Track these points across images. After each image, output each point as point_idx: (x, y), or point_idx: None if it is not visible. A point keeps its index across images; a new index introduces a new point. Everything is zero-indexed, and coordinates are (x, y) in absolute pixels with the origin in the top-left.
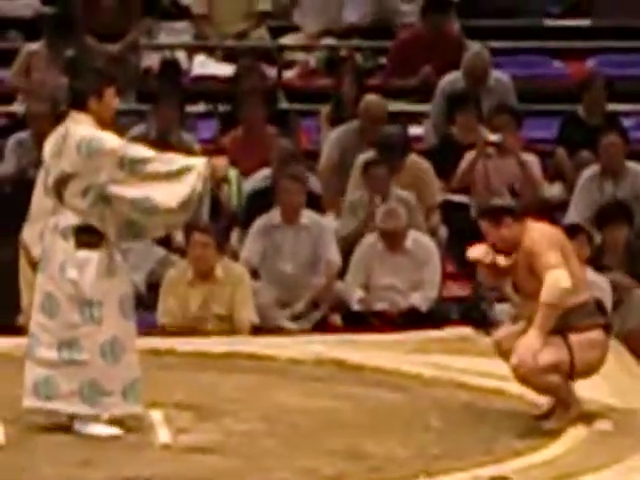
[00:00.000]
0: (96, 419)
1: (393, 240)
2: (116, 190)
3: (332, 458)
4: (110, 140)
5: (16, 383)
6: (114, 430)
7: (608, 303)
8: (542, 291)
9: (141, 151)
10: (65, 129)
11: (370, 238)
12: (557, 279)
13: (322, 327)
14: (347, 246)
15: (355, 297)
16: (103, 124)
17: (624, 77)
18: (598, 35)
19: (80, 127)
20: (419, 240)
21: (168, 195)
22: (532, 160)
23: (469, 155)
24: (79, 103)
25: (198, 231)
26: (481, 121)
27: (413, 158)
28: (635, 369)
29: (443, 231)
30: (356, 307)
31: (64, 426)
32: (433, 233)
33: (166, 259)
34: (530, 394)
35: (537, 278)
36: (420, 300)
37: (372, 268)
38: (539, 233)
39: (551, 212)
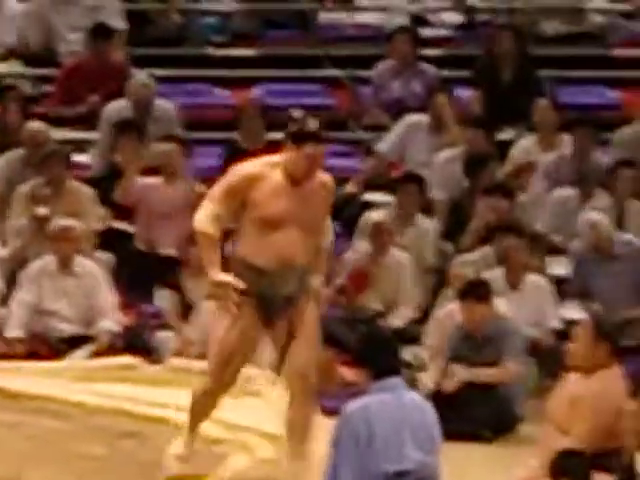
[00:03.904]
0: None
1: (66, 257)
2: None
3: None
4: None
5: None
6: None
7: None
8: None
9: None
10: None
11: (40, 262)
12: None
13: None
14: (10, 272)
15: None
16: None
17: (289, 106)
18: (263, 64)
19: None
20: (87, 266)
21: None
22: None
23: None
24: None
25: None
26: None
27: (74, 185)
28: None
29: (109, 258)
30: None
31: None
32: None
33: None
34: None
35: None
36: (108, 326)
37: (43, 291)
38: None
39: None
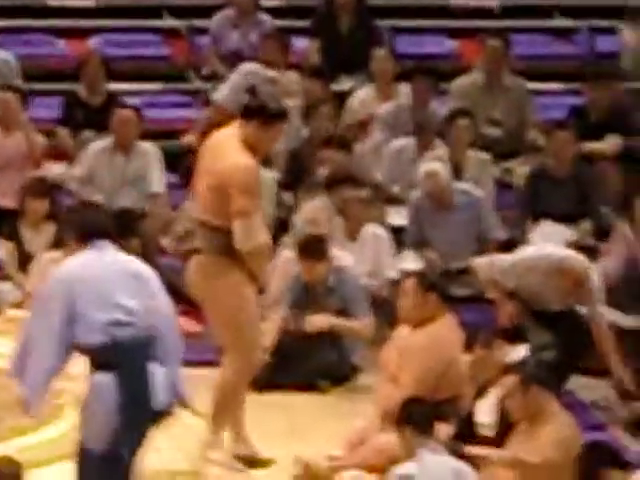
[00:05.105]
0: None
1: None
2: None
3: None
4: None
5: None
6: None
7: None
8: None
9: None
10: None
11: None
12: None
13: None
14: None
15: None
16: None
17: (127, 57)
18: (101, 14)
19: None
20: None
21: None
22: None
23: None
24: None
25: None
26: None
27: None
28: None
29: None
30: None
31: None
32: None
33: None
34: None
35: None
36: None
37: None
38: None
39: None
